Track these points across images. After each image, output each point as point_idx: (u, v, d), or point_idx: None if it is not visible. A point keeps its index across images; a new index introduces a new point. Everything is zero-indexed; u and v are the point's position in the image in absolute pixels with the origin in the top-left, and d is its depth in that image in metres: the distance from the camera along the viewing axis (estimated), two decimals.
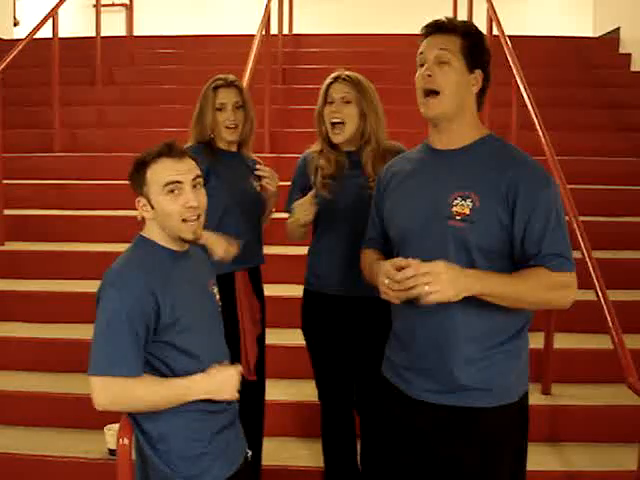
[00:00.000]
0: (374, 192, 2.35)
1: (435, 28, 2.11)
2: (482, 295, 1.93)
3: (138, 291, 1.98)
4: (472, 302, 1.97)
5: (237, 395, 2.08)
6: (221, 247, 2.76)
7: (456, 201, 2.03)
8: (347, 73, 2.87)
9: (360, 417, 2.97)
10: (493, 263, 2.00)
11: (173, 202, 2.06)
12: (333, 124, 2.82)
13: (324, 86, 2.87)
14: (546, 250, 1.99)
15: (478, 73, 2.11)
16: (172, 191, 2.06)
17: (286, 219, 2.92)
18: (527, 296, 1.98)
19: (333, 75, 2.88)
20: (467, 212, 2.01)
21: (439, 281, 1.85)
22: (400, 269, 1.94)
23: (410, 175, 2.20)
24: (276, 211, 3.28)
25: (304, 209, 2.77)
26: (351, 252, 2.72)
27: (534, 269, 1.98)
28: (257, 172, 3.01)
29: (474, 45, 2.10)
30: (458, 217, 2.02)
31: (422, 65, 2.10)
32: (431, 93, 2.07)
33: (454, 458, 2.07)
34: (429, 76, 2.07)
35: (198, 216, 2.09)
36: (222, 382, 2.05)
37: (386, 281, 1.97)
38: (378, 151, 2.83)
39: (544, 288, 1.98)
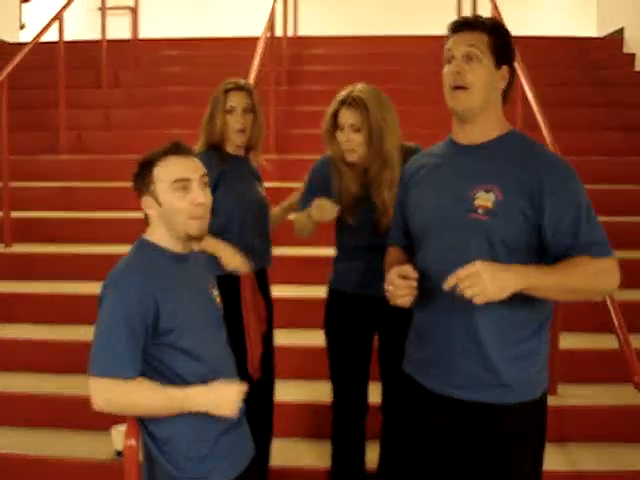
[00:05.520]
0: (397, 189, 2.36)
1: (462, 25, 2.10)
2: (527, 290, 1.91)
3: (138, 293, 1.98)
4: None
5: (237, 413, 2.05)
6: (233, 261, 2.84)
7: (478, 194, 2.03)
8: (354, 95, 2.78)
9: (384, 418, 2.97)
10: (515, 257, 1.99)
11: (182, 199, 2.06)
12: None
13: (331, 110, 2.83)
14: (583, 239, 1.99)
15: (505, 69, 2.12)
16: (183, 188, 2.06)
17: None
18: (575, 285, 1.97)
19: (342, 97, 2.81)
20: (490, 205, 2.01)
21: (480, 281, 1.84)
22: (404, 277, 2.00)
23: (433, 170, 2.20)
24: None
25: (325, 209, 2.77)
26: (370, 258, 2.80)
27: (576, 258, 1.97)
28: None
29: (501, 41, 2.10)
30: (481, 210, 2.02)
31: (449, 62, 2.09)
32: (460, 87, 2.06)
33: (473, 454, 2.08)
34: (458, 73, 2.05)
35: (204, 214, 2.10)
36: (220, 398, 2.02)
37: (390, 288, 2.03)
38: (384, 159, 2.82)
39: (590, 275, 1.98)
